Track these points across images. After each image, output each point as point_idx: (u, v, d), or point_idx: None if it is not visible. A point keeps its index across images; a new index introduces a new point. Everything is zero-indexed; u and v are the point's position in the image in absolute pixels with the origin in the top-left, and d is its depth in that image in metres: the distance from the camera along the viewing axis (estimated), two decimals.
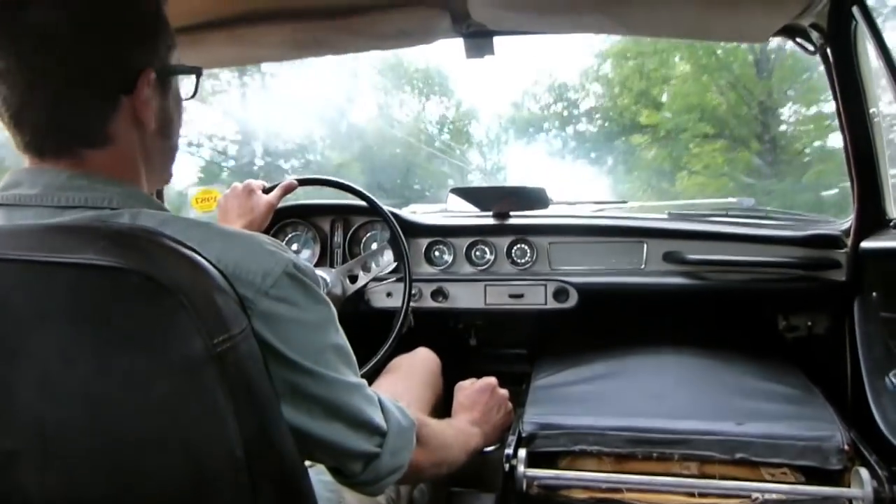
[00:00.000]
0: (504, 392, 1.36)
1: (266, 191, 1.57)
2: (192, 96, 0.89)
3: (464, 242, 1.91)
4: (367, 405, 0.83)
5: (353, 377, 0.82)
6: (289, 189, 1.59)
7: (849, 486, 1.21)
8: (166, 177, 0.90)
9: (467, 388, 1.35)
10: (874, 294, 1.49)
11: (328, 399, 0.76)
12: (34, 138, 0.74)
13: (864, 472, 1.18)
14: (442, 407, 1.59)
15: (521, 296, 1.85)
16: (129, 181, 0.78)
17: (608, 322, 1.87)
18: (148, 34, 0.78)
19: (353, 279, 1.76)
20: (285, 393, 0.72)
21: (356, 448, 0.81)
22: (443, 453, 1.04)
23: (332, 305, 0.80)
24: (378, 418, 0.84)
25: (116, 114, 0.75)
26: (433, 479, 1.29)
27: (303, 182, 1.66)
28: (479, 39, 1.66)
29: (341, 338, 0.81)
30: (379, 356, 1.58)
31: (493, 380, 1.36)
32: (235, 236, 0.74)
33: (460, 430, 1.17)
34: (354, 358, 0.83)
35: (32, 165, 0.75)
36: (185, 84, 0.88)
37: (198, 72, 0.87)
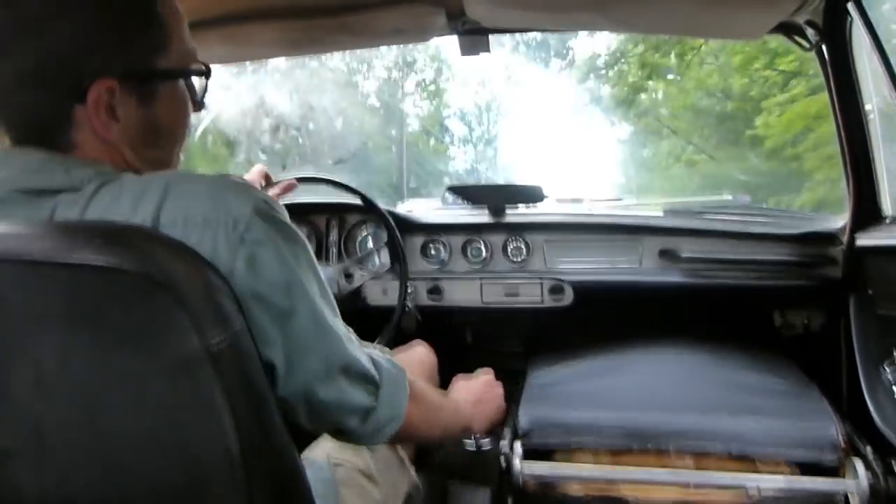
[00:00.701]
0: (500, 388, 1.36)
1: (267, 185, 1.57)
2: (199, 107, 0.84)
3: (459, 239, 1.91)
4: (358, 353, 0.80)
5: (341, 323, 0.79)
6: (289, 188, 1.59)
7: (844, 480, 1.22)
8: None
9: (464, 379, 1.36)
10: (870, 290, 1.49)
11: (320, 348, 0.74)
12: (7, 134, 0.73)
13: (859, 465, 1.19)
14: None
15: (516, 293, 1.85)
16: (108, 162, 0.74)
17: (604, 319, 1.88)
18: (110, 41, 0.71)
19: (350, 278, 1.76)
20: (276, 345, 0.70)
21: (353, 402, 0.79)
22: (434, 414, 1.01)
23: (308, 246, 0.76)
24: (370, 367, 0.81)
25: (73, 123, 0.72)
26: (427, 441, 1.27)
27: (302, 181, 1.66)
28: (474, 37, 1.66)
29: (325, 284, 0.78)
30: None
31: (490, 375, 1.36)
32: (199, 184, 0.69)
33: (450, 399, 1.15)
34: (334, 303, 0.79)
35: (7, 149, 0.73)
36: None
37: (202, 72, 0.81)
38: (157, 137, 0.79)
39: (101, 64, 0.70)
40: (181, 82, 0.80)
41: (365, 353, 0.82)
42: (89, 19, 0.70)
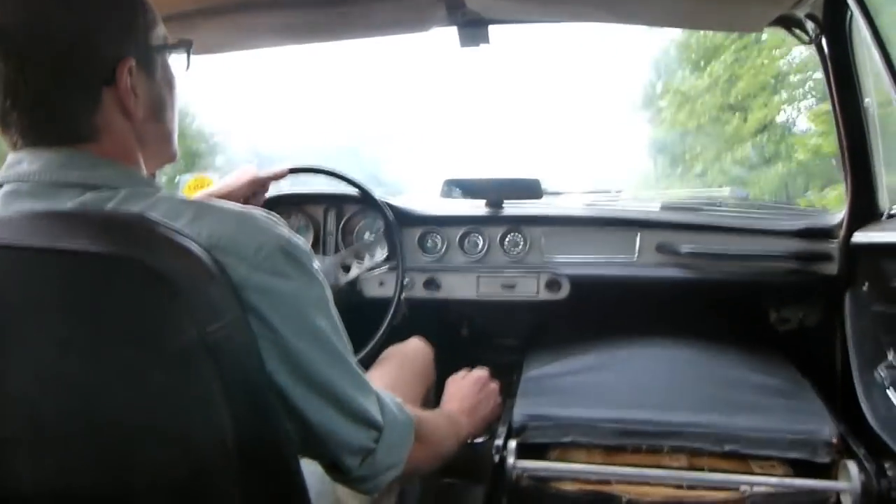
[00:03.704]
0: (494, 386, 1.36)
1: (258, 186, 1.55)
2: (186, 70, 0.87)
3: (456, 232, 1.90)
4: (363, 395, 0.81)
5: (350, 363, 0.80)
6: (278, 176, 1.58)
7: (837, 480, 1.22)
8: (170, 154, 0.88)
9: (458, 381, 1.35)
10: (865, 287, 1.49)
11: (323, 382, 0.75)
12: (23, 139, 0.74)
13: (852, 466, 1.19)
14: (434, 397, 1.59)
15: (513, 286, 1.85)
16: (127, 163, 0.78)
17: (600, 313, 1.88)
18: (121, 23, 0.76)
19: (347, 269, 1.75)
20: (279, 372, 0.72)
21: (351, 440, 0.79)
22: (440, 448, 1.03)
23: (327, 285, 0.79)
24: (374, 411, 0.82)
25: (100, 106, 0.75)
26: (428, 472, 1.29)
27: (295, 170, 1.65)
28: (473, 28, 1.65)
29: (337, 320, 0.80)
30: (370, 345, 1.57)
31: (484, 373, 1.36)
32: (229, 212, 0.73)
33: (453, 421, 1.17)
34: (350, 346, 0.82)
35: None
36: (176, 59, 0.86)
37: (186, 45, 0.85)
38: (161, 110, 0.83)
39: (120, 45, 0.75)
40: (169, 55, 0.84)
41: (375, 395, 0.84)
42: (103, 6, 0.74)
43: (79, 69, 0.73)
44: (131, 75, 0.75)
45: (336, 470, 0.83)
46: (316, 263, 0.79)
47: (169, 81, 0.84)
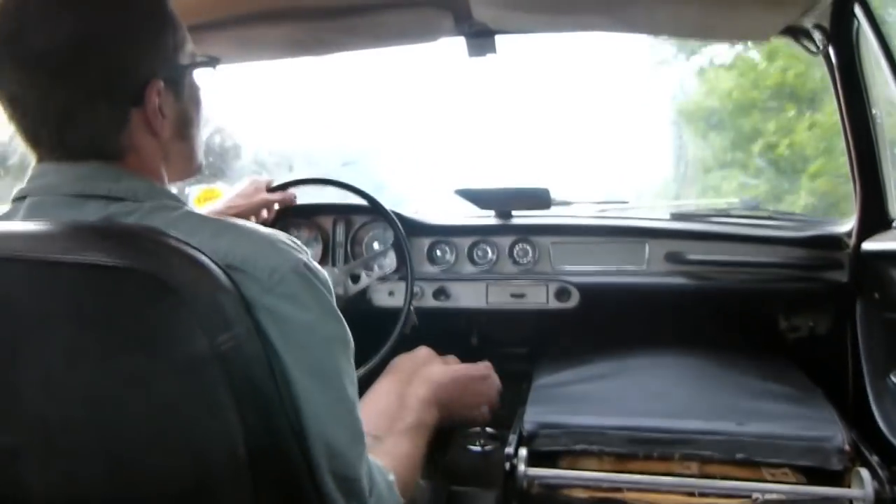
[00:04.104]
0: (489, 382, 1.30)
1: (270, 190, 1.56)
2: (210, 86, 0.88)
3: (466, 242, 1.90)
4: (356, 457, 0.75)
5: (355, 416, 0.76)
6: (286, 202, 1.59)
7: (849, 487, 1.21)
8: (193, 169, 0.89)
9: (441, 364, 1.28)
10: (876, 295, 1.49)
11: (319, 430, 0.71)
12: (51, 156, 0.75)
13: (864, 473, 1.18)
14: None
15: (522, 295, 1.85)
16: (152, 179, 0.78)
17: (610, 322, 1.87)
18: (152, 44, 0.76)
19: (356, 279, 1.76)
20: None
21: (326, 494, 0.74)
22: (412, 475, 0.98)
23: (345, 324, 0.76)
24: (363, 481, 0.76)
25: (128, 126, 0.75)
26: None
27: (304, 182, 1.66)
28: (481, 39, 1.66)
29: (351, 368, 0.76)
30: (380, 355, 1.57)
31: (480, 368, 1.31)
32: (248, 231, 0.73)
33: (419, 428, 1.07)
34: (357, 398, 0.77)
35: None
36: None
37: (214, 62, 0.85)
38: (187, 128, 0.83)
39: (149, 67, 0.75)
40: (195, 74, 0.84)
41: (368, 465, 0.78)
42: (135, 28, 0.75)
43: (108, 90, 0.73)
44: (159, 96, 0.75)
45: None
46: (328, 275, 0.76)
47: (195, 99, 0.84)
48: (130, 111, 0.75)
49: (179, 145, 0.82)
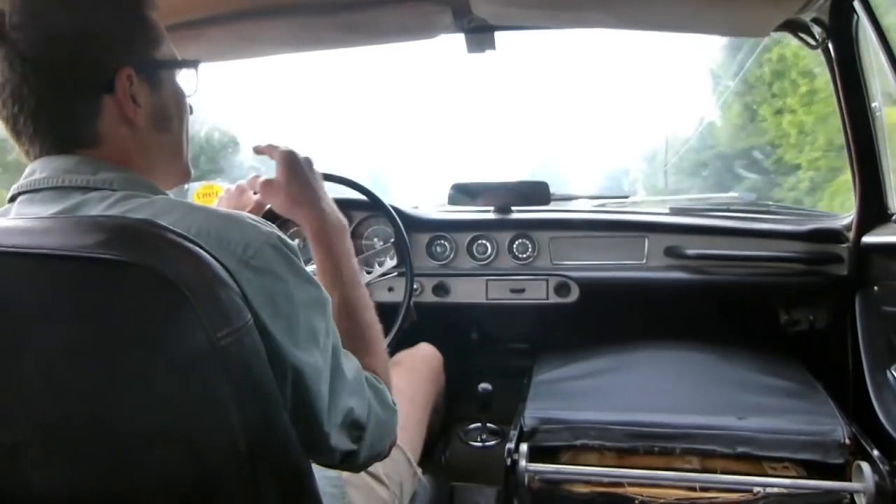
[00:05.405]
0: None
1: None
2: (193, 93, 0.88)
3: (465, 237, 1.90)
4: (354, 398, 0.79)
5: (344, 365, 0.79)
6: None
7: (850, 481, 1.21)
8: (181, 169, 0.89)
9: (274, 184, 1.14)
10: (876, 288, 1.49)
11: (313, 390, 0.73)
12: (31, 147, 0.78)
13: (865, 467, 1.18)
14: (443, 402, 1.59)
15: (522, 290, 1.85)
16: (130, 169, 0.80)
17: (609, 317, 1.88)
18: (121, 34, 0.78)
19: None
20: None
21: (334, 446, 0.77)
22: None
23: (321, 287, 0.78)
24: (361, 412, 0.80)
25: (102, 113, 0.78)
26: None
27: None
28: (480, 35, 1.66)
29: (330, 322, 0.78)
30: None
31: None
32: (220, 211, 0.73)
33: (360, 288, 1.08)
34: (340, 344, 0.80)
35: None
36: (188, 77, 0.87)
37: (189, 65, 0.86)
38: (165, 121, 0.84)
39: (119, 56, 0.77)
40: (177, 73, 0.86)
41: (363, 396, 0.81)
42: (104, 18, 0.77)
43: (78, 76, 0.75)
44: (131, 84, 0.78)
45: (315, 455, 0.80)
46: (311, 267, 0.77)
47: (176, 97, 0.86)
48: (103, 98, 0.77)
49: (158, 138, 0.84)
